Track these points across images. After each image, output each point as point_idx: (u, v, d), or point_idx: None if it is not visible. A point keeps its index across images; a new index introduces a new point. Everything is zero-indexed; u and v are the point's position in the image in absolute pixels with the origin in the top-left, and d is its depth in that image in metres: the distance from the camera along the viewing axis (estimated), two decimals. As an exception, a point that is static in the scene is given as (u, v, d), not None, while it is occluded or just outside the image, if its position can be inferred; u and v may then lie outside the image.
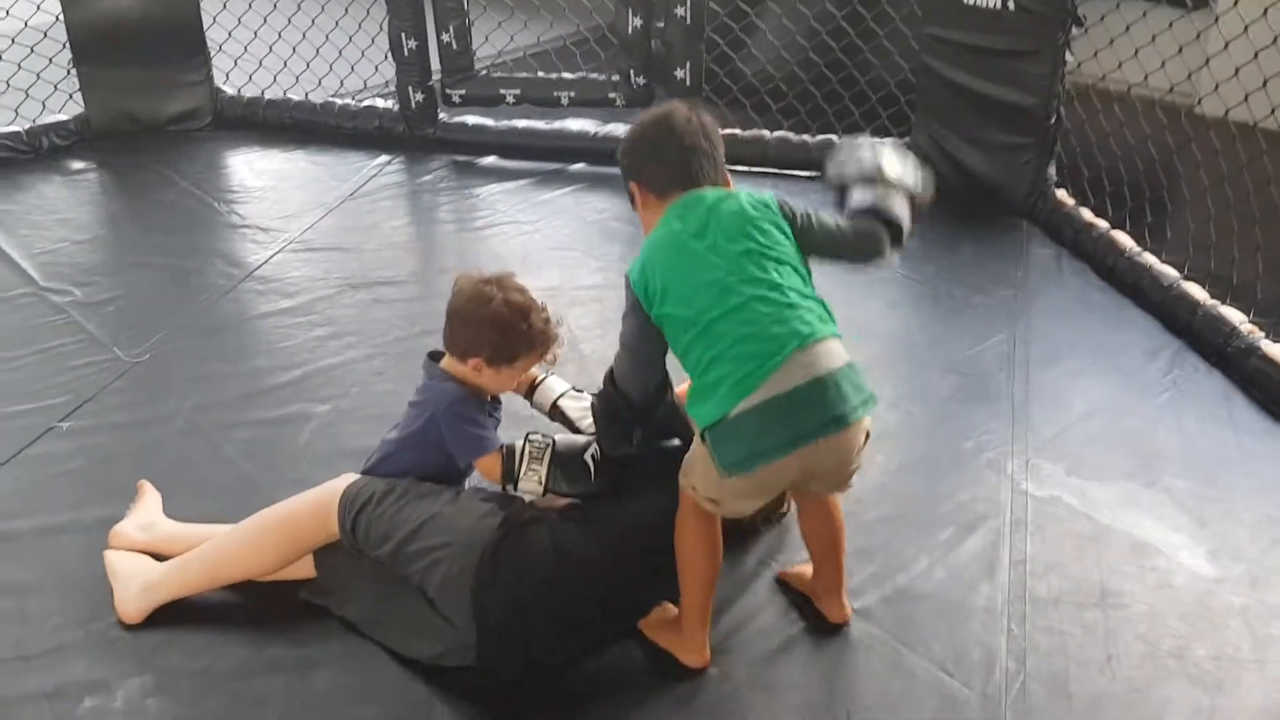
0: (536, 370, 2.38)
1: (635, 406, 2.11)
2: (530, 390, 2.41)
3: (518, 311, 2.13)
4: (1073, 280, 3.53)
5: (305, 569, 2.22)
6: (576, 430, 2.36)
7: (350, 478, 2.20)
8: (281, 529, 2.18)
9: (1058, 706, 2.03)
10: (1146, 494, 2.57)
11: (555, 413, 2.39)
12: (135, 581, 2.19)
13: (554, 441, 2.20)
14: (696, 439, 1.98)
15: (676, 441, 2.22)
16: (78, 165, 4.33)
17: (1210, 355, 3.08)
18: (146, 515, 2.37)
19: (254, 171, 4.33)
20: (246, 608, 2.21)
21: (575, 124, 4.47)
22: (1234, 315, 3.07)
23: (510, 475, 2.17)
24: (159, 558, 2.27)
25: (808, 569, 2.26)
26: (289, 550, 2.18)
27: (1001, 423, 2.81)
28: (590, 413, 2.30)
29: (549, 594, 2.06)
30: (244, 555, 2.18)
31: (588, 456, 2.20)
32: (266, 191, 4.15)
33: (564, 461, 2.18)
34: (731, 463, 1.88)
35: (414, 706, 2.02)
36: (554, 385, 2.41)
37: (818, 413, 1.87)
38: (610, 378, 2.13)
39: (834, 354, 1.91)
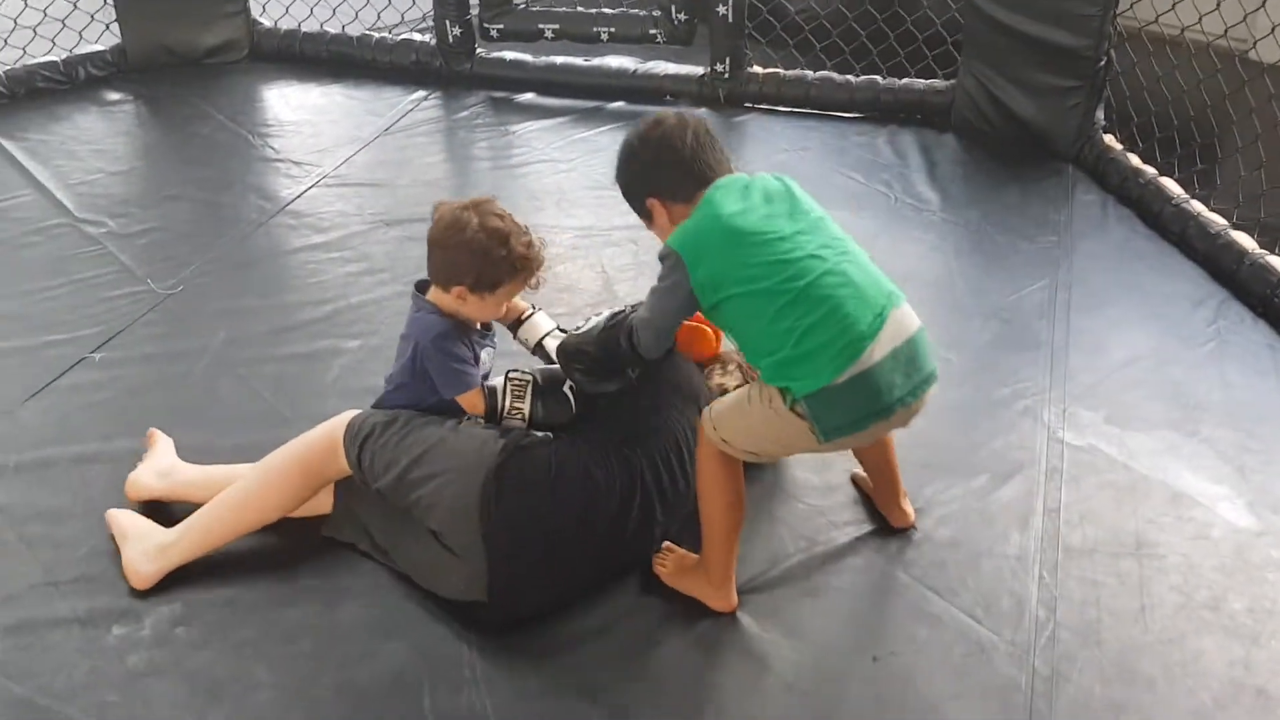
0: (524, 304, 2.35)
1: (645, 361, 2.13)
2: (516, 324, 2.37)
3: (496, 236, 2.08)
4: (1118, 227, 3.44)
5: (324, 503, 2.23)
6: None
7: (353, 412, 2.19)
8: (294, 467, 2.17)
9: (1088, 655, 2.00)
10: (1186, 444, 2.51)
11: (539, 350, 2.36)
12: (147, 542, 2.14)
13: (534, 376, 2.22)
14: (752, 399, 1.93)
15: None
16: (114, 96, 4.32)
17: (1256, 305, 2.99)
18: (161, 461, 2.34)
19: (289, 105, 4.30)
20: (272, 541, 2.21)
21: (615, 61, 4.40)
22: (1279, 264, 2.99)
23: (493, 413, 2.18)
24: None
25: None
26: (303, 487, 2.17)
27: (1040, 370, 2.75)
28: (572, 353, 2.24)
29: (556, 511, 2.04)
30: (259, 498, 2.16)
31: (567, 388, 2.23)
32: (301, 125, 4.12)
33: (546, 395, 2.21)
34: (835, 428, 1.86)
35: (439, 640, 2.03)
36: (540, 323, 2.35)
37: (914, 374, 1.88)
38: (628, 338, 2.08)
39: (912, 314, 1.92)
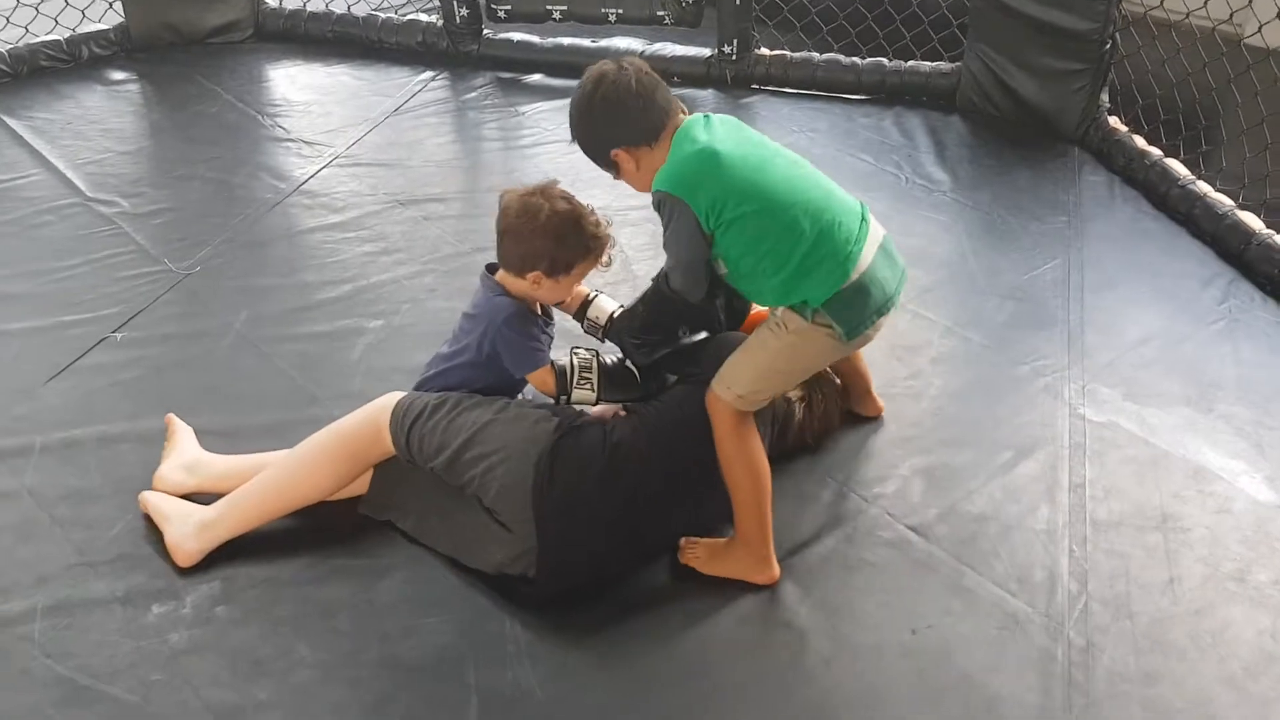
0: (585, 289, 2.37)
1: (693, 305, 2.16)
2: (582, 308, 2.40)
3: (568, 219, 2.12)
4: (1125, 208, 3.48)
5: (360, 485, 2.24)
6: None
7: (395, 394, 2.20)
8: (337, 449, 2.18)
9: (1120, 627, 2.04)
10: (1204, 420, 2.56)
11: (610, 325, 2.38)
12: (189, 521, 2.14)
13: (598, 353, 2.27)
14: (764, 338, 2.07)
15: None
16: (118, 76, 4.29)
17: (1264, 285, 3.04)
18: (186, 454, 2.32)
19: (296, 85, 4.28)
20: (307, 519, 2.21)
21: (622, 42, 4.40)
22: (1254, 222, 3.05)
23: (563, 387, 2.21)
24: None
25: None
26: (346, 469, 2.18)
27: (1057, 348, 2.79)
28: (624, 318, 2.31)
29: (606, 490, 2.07)
30: (302, 479, 2.17)
31: (629, 364, 2.27)
32: (310, 105, 4.10)
33: (611, 370, 2.26)
34: (854, 327, 2.02)
35: (481, 615, 2.05)
36: (605, 304, 2.39)
37: (895, 269, 2.10)
38: (666, 283, 2.14)
39: (874, 220, 2.11)
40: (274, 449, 2.32)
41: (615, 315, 2.35)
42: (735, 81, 4.26)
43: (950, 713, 1.89)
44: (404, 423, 2.13)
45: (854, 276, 2.00)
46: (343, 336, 2.82)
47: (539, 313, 2.27)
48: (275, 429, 2.46)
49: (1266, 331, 2.87)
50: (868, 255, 2.02)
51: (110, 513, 2.25)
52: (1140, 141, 3.64)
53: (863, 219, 2.06)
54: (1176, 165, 3.47)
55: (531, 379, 2.23)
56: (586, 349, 2.29)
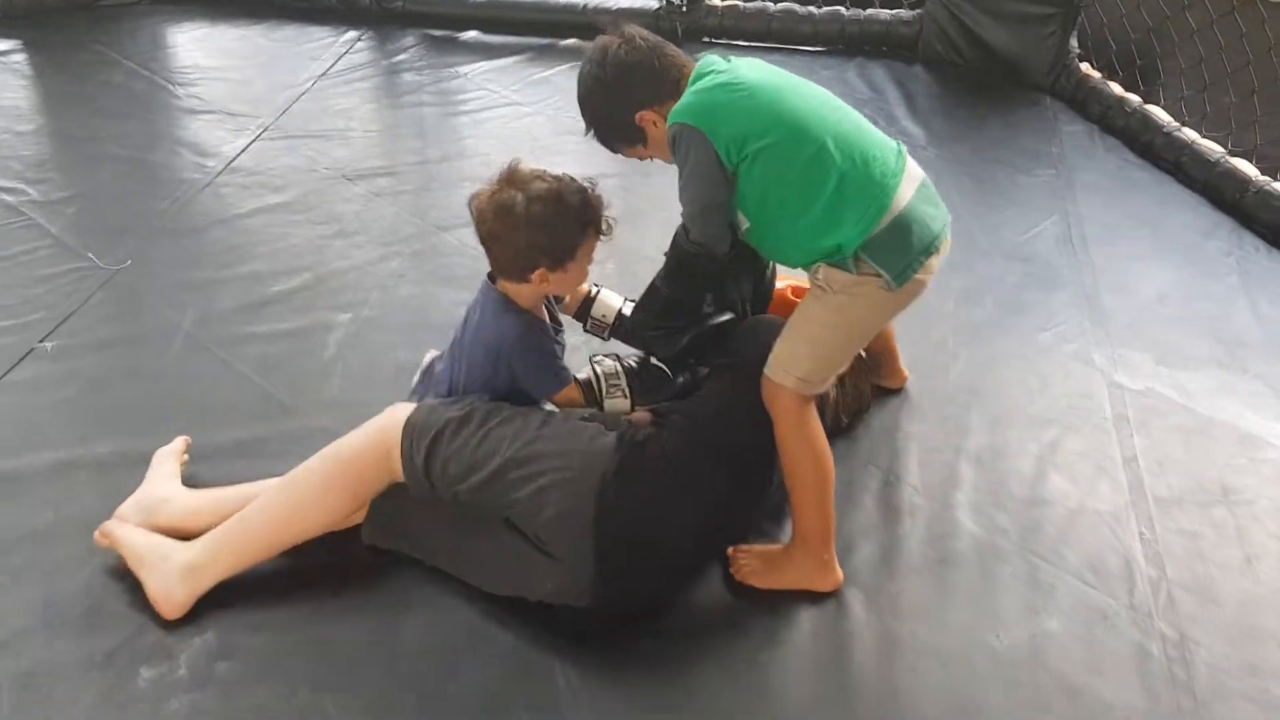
0: (583, 286, 2.14)
1: (719, 260, 1.92)
2: (584, 307, 2.17)
3: (550, 201, 1.85)
4: (1109, 158, 3.37)
5: (358, 512, 1.96)
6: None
7: (404, 408, 1.93)
8: (338, 476, 1.90)
9: (1208, 614, 1.92)
10: (1240, 382, 2.46)
11: (620, 323, 2.15)
12: (170, 563, 1.84)
13: (618, 356, 2.06)
14: (809, 310, 1.86)
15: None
16: (2, 46, 3.81)
17: (1267, 234, 2.97)
18: (158, 488, 2.00)
19: (205, 50, 3.86)
20: (302, 553, 1.92)
21: (562, -6, 4.11)
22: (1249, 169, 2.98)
23: (594, 401, 2.00)
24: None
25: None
26: (350, 499, 1.90)
27: (1076, 311, 2.67)
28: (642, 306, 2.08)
29: (673, 509, 1.86)
30: (301, 511, 1.88)
31: (655, 362, 2.06)
32: (225, 72, 3.70)
33: (640, 372, 2.05)
34: (902, 270, 1.80)
35: (525, 652, 1.81)
36: (610, 299, 2.17)
37: (939, 209, 1.88)
38: (686, 240, 1.90)
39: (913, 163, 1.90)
40: (250, 470, 2.04)
41: (622, 309, 2.13)
42: (686, 35, 4.01)
43: (1054, 724, 1.75)
44: (420, 443, 1.86)
45: (892, 211, 1.78)
46: (309, 334, 2.51)
47: (547, 319, 2.03)
48: (248, 446, 2.17)
49: (1279, 283, 2.79)
50: (906, 191, 1.81)
51: (73, 557, 1.92)
52: (1116, 88, 3.53)
53: (899, 154, 1.85)
54: (1158, 112, 3.38)
55: (557, 401, 2.01)
56: (606, 355, 2.07)
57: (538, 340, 1.95)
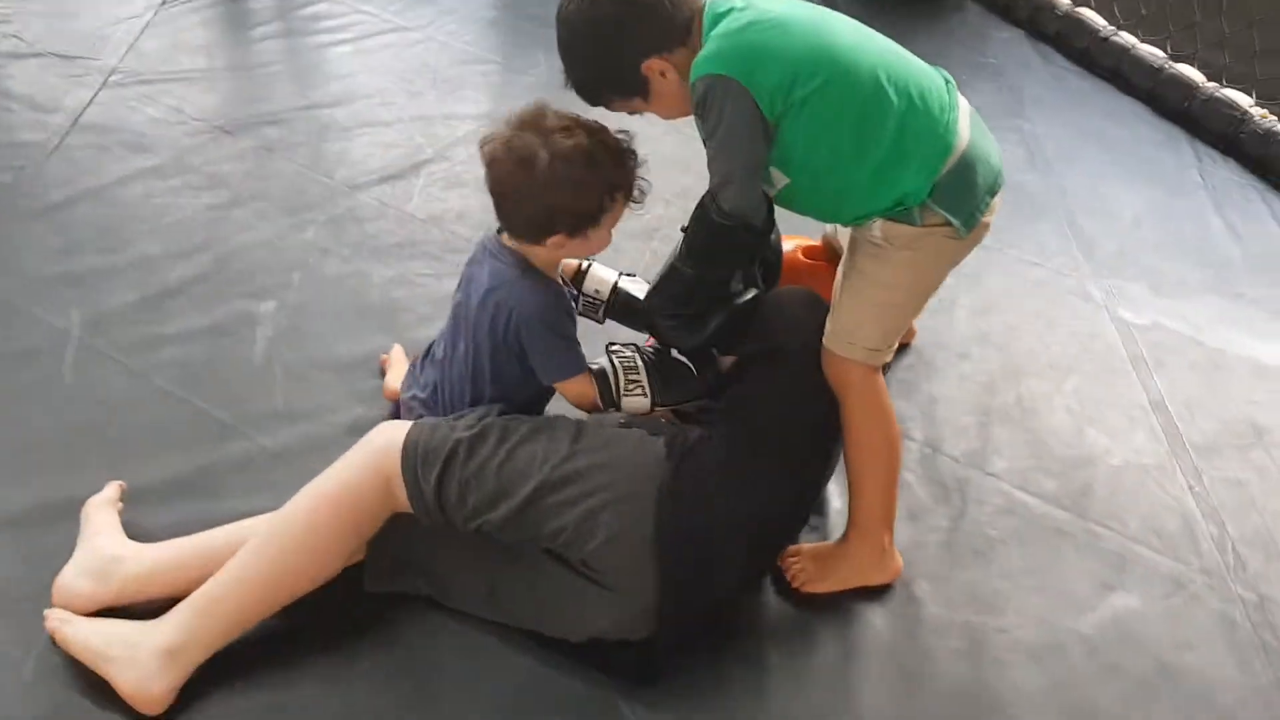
0: (573, 260, 1.87)
1: (758, 230, 1.63)
2: (574, 280, 1.88)
3: (579, 159, 1.55)
4: (1045, 68, 3.24)
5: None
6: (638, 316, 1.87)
7: (398, 427, 1.60)
8: (334, 515, 1.55)
9: (1278, 570, 1.84)
10: (1236, 309, 2.40)
11: (615, 300, 1.87)
12: (142, 652, 1.48)
13: (638, 348, 1.76)
14: (871, 272, 1.63)
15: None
16: None
17: (1219, 143, 2.91)
18: (102, 547, 1.60)
19: (11, -23, 3.24)
20: (294, 612, 1.56)
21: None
22: (1240, 99, 2.90)
23: (609, 397, 1.70)
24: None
25: None
26: (350, 540, 1.57)
27: (1061, 241, 2.54)
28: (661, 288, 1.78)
29: (733, 525, 1.61)
30: (295, 562, 1.54)
31: (676, 354, 1.78)
32: (46, 5, 3.10)
33: (660, 365, 1.76)
34: (970, 214, 1.60)
35: (586, 700, 1.55)
36: (603, 273, 1.88)
37: (995, 147, 1.66)
38: (718, 212, 1.59)
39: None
40: (198, 510, 1.69)
41: (618, 284, 1.84)
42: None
43: (1165, 711, 1.63)
44: (428, 469, 1.55)
45: (956, 151, 1.56)
46: (229, 330, 2.10)
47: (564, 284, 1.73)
48: (189, 481, 1.78)
49: (1246, 198, 2.75)
50: (964, 126, 1.59)
51: (9, 649, 1.53)
52: (1041, -11, 3.40)
53: (949, 85, 1.63)
54: (1091, 15, 3.25)
55: (565, 389, 1.70)
56: (624, 344, 1.77)
57: (558, 316, 1.66)
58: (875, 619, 1.71)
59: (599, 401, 1.70)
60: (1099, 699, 1.63)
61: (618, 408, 1.72)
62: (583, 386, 1.69)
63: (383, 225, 2.41)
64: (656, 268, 1.74)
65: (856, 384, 1.67)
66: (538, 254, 1.64)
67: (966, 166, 1.57)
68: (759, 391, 1.72)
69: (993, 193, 1.62)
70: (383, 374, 2.01)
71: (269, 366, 2.04)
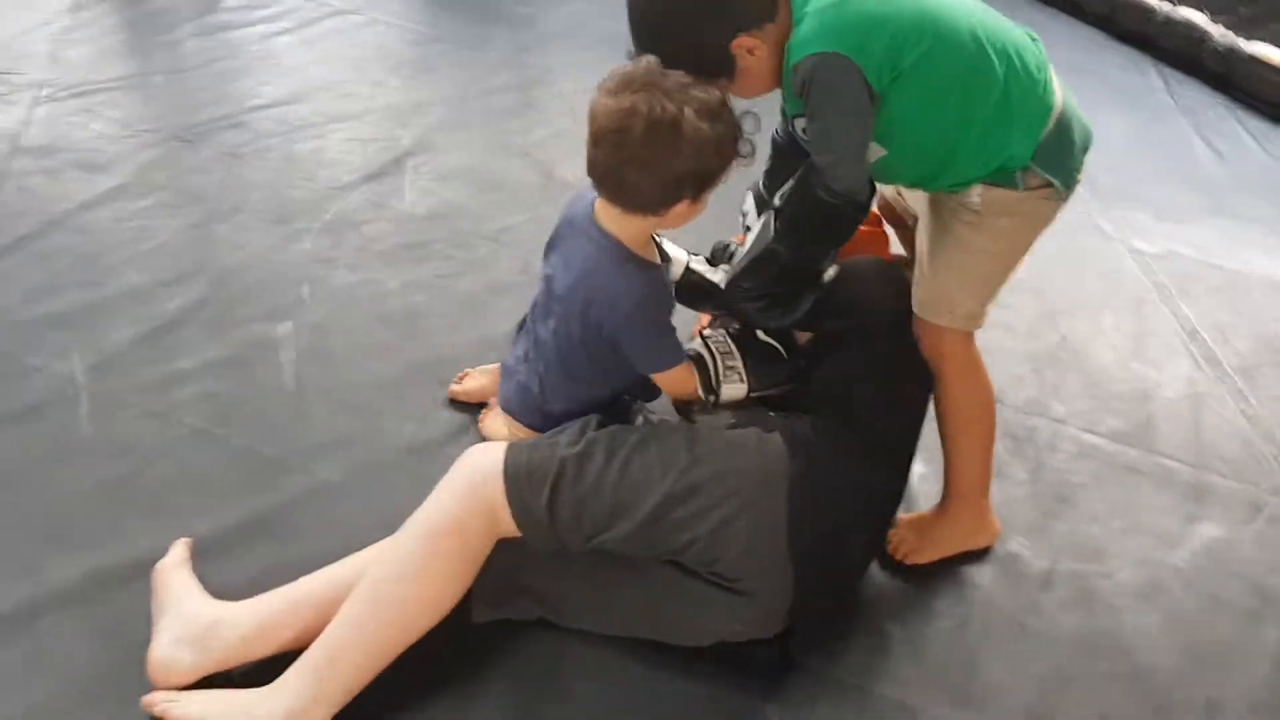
0: None
1: (864, 207, 1.56)
2: None
3: (717, 117, 1.45)
4: (996, 2, 3.24)
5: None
6: (714, 299, 1.80)
7: (492, 451, 1.50)
8: (444, 552, 1.45)
9: (1348, 487, 1.90)
10: (1237, 229, 2.46)
11: (686, 279, 1.79)
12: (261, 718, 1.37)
13: (727, 331, 1.69)
14: (967, 238, 1.58)
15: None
16: None
17: (1181, 64, 2.96)
18: (187, 615, 1.47)
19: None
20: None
21: None
22: (1197, 17, 2.95)
23: (710, 385, 1.63)
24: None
25: None
26: (464, 575, 1.47)
27: (1058, 176, 2.55)
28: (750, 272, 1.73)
29: (858, 509, 1.58)
30: (410, 606, 1.44)
31: (765, 338, 1.70)
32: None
33: (755, 349, 1.68)
34: (1070, 173, 1.57)
35: (721, 701, 1.49)
36: (672, 251, 1.79)
37: (1081, 110, 1.60)
38: (828, 192, 1.51)
39: None
40: (272, 555, 1.58)
41: (690, 265, 1.77)
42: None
43: (1275, 636, 1.66)
44: (536, 492, 1.46)
45: (1056, 109, 1.52)
46: (249, 358, 1.95)
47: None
48: (254, 528, 1.64)
49: (1220, 119, 2.81)
50: (1057, 82, 1.55)
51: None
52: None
53: (1037, 42, 1.57)
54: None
55: (664, 379, 1.62)
56: (713, 328, 1.70)
57: (656, 308, 1.57)
58: (982, 580, 1.70)
59: (699, 390, 1.63)
60: (1219, 633, 1.65)
61: (717, 396, 1.65)
62: (683, 375, 1.61)
63: (382, 227, 2.28)
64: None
65: (954, 352, 1.64)
66: (638, 229, 1.54)
67: (1065, 126, 1.53)
68: (852, 372, 1.67)
69: (1086, 150, 1.59)
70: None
71: (302, 392, 1.91)
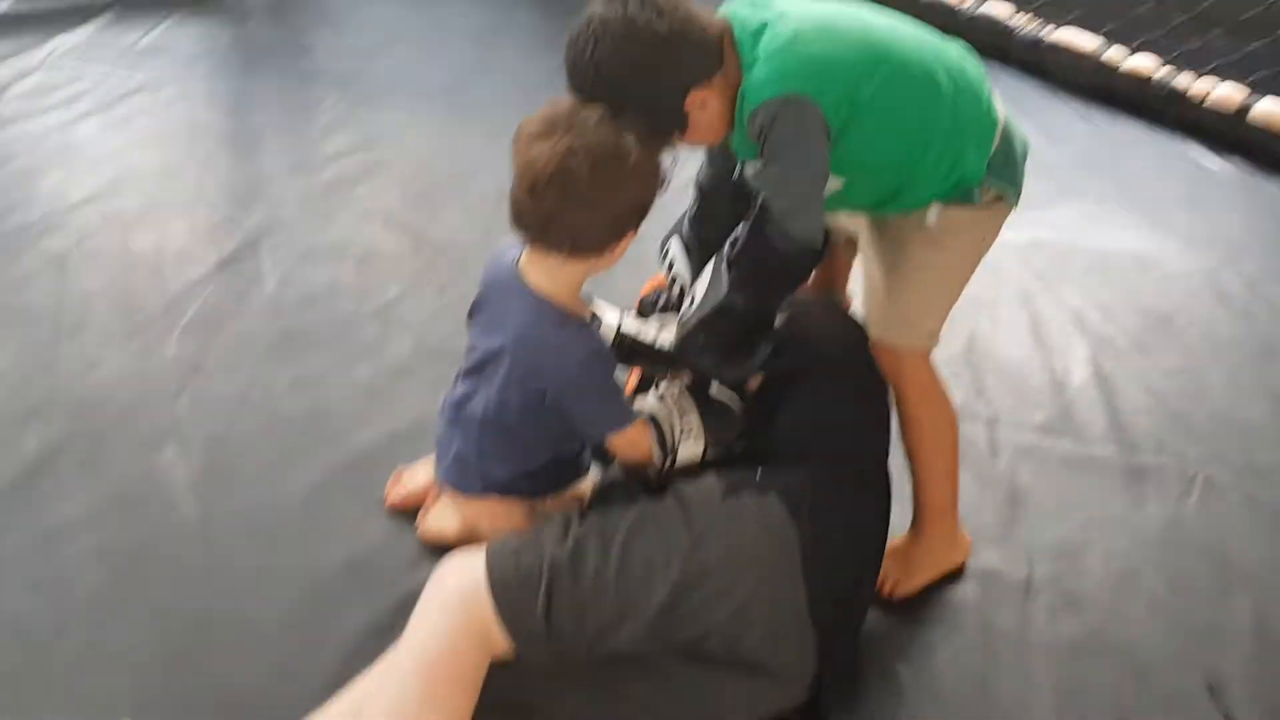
0: None
1: (821, 252, 1.52)
2: None
3: (656, 138, 1.41)
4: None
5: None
6: (657, 358, 1.72)
7: (470, 562, 1.38)
8: (442, 682, 1.32)
9: (1224, 445, 2.01)
10: (1091, 208, 2.63)
11: (620, 342, 1.70)
12: None
13: (683, 385, 1.62)
14: (921, 257, 1.56)
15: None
16: None
17: (993, 54, 3.07)
18: None
19: None
20: None
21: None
22: (1002, 10, 3.08)
23: (667, 444, 1.55)
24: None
25: None
26: (465, 701, 1.33)
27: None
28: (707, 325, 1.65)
29: (862, 556, 1.55)
30: None
31: (715, 392, 1.64)
32: None
33: (709, 405, 1.61)
34: (1017, 182, 1.57)
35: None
36: (604, 309, 1.71)
37: (1019, 128, 1.61)
38: (785, 241, 1.46)
39: None
40: None
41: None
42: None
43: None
44: (526, 604, 1.34)
45: (1001, 120, 1.53)
46: (139, 497, 1.71)
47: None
48: (197, 704, 1.45)
49: (1044, 102, 2.94)
50: (995, 94, 1.56)
51: None
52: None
53: (970, 53, 1.57)
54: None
55: (617, 443, 1.51)
56: (665, 383, 1.62)
57: (600, 368, 1.46)
58: (969, 601, 1.69)
59: (653, 451, 1.54)
60: (1190, 614, 1.69)
61: (674, 458, 1.56)
62: (635, 436, 1.51)
63: (251, 320, 2.07)
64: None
65: (916, 372, 1.62)
66: (569, 278, 1.43)
67: (1008, 136, 1.54)
68: (821, 409, 1.62)
69: (1025, 157, 1.59)
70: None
71: (208, 525, 1.70)
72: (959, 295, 1.64)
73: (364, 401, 1.91)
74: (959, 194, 1.51)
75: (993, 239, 1.62)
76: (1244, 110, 2.73)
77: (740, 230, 1.53)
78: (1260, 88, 2.77)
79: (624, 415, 1.50)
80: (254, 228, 2.30)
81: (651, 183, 1.40)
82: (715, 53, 1.41)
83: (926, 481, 1.69)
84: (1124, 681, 1.57)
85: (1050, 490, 1.88)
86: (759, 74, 1.39)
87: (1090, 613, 1.67)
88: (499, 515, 1.59)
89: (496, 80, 2.90)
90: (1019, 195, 1.57)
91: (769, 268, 1.51)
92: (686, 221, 1.71)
